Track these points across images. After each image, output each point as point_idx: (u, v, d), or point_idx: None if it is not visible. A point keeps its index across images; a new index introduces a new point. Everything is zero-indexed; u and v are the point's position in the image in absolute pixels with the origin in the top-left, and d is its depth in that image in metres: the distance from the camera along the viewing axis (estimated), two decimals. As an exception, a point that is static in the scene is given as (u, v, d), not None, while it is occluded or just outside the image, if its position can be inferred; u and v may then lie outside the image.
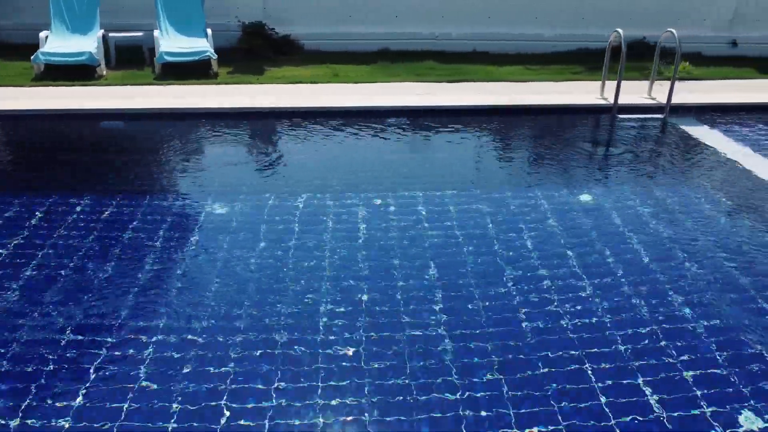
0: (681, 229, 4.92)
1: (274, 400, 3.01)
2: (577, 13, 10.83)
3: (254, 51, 10.07)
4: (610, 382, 3.17)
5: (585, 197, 5.44)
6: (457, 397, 3.05)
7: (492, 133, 7.36)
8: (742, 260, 4.45)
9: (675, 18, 11.01)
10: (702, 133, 7.21)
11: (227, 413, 2.92)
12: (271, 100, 7.74)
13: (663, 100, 7.62)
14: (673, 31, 7.35)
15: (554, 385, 3.14)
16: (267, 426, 2.86)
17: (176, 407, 2.96)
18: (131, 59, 9.34)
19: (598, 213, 5.17)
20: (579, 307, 3.80)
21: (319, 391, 3.08)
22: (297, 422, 2.88)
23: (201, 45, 8.99)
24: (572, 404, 3.02)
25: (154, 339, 3.44)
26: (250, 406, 2.98)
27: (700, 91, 8.71)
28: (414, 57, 10.33)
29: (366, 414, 2.94)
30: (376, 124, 7.34)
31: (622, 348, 3.44)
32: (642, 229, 4.85)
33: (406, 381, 3.15)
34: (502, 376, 3.19)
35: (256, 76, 9.13)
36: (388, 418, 2.92)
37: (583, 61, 10.33)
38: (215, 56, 8.93)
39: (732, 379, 3.22)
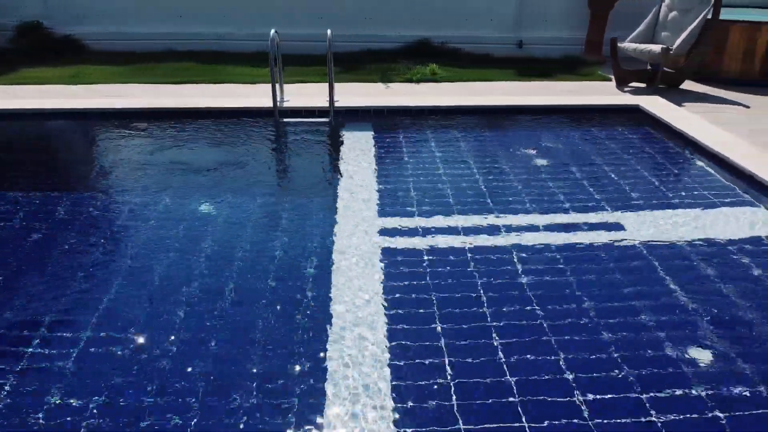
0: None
1: None
2: (363, 13, 10.51)
3: (26, 52, 10.16)
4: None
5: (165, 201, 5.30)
6: None
7: (130, 138, 7.00)
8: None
9: (463, 18, 10.61)
10: (353, 139, 6.83)
11: None
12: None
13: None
14: (329, 32, 7.01)
15: None
16: None
17: None
18: None
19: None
20: None
21: None
22: None
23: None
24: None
25: None
26: None
27: (422, 93, 8.34)
28: (185, 57, 10.23)
29: None
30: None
31: None
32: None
33: None
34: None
35: (-4, 77, 9.19)
36: None
37: (356, 62, 10.04)
38: (-55, 57, 9.03)
39: None
